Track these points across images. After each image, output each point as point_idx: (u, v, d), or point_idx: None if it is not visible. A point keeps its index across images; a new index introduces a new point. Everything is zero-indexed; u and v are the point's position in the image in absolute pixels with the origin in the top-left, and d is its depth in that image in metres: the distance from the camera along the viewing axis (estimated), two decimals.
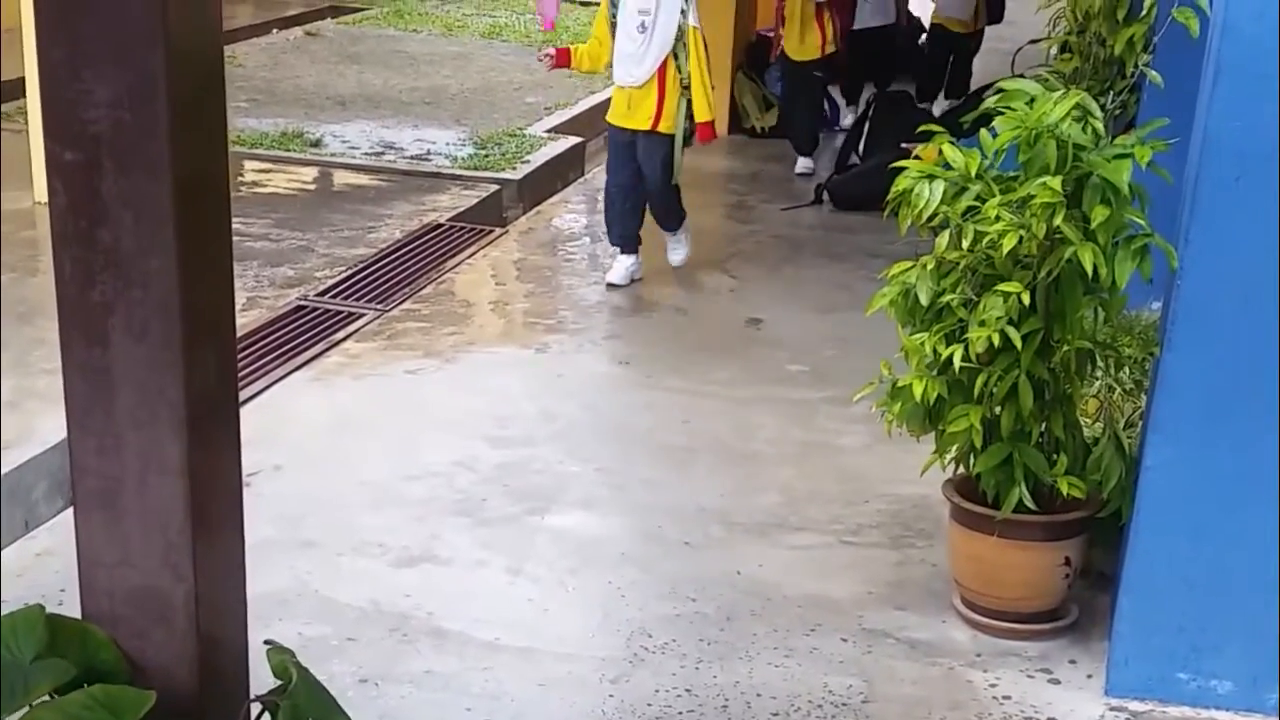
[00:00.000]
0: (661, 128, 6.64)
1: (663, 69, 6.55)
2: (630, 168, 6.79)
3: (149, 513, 2.29)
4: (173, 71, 2.04)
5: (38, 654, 2.33)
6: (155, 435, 2.22)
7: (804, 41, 9.00)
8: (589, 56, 6.85)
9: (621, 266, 6.89)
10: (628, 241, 6.88)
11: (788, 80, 9.41)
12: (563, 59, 6.81)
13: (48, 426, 4.79)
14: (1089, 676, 3.86)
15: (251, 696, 2.50)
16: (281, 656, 2.48)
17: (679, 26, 6.50)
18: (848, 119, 10.36)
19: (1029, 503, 3.86)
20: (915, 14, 12.34)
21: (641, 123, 6.68)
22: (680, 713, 3.63)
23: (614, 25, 6.66)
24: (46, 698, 2.31)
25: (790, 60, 9.10)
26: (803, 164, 9.33)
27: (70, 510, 4.51)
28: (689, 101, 6.65)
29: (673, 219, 6.96)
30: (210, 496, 2.33)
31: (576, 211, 8.44)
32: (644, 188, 6.79)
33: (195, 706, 2.40)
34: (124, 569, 2.33)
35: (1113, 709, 3.73)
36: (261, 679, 2.57)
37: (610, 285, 6.84)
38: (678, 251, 7.11)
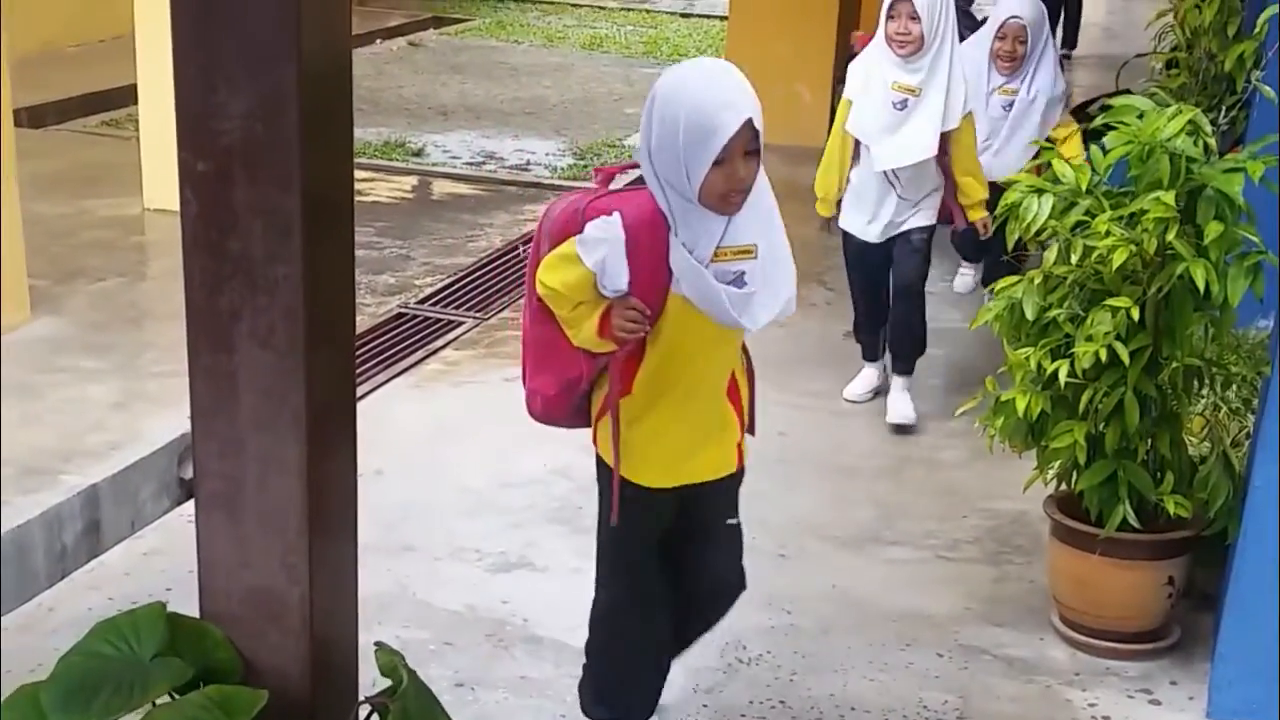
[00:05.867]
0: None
1: None
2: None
3: (268, 515, 2.34)
4: (304, 85, 2.09)
5: (158, 651, 2.39)
6: (276, 439, 2.27)
7: None
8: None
9: None
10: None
11: None
12: None
13: (156, 428, 4.89)
14: (1190, 698, 3.82)
15: (361, 698, 2.54)
16: (391, 658, 2.52)
17: None
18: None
19: (1133, 521, 3.83)
20: None
21: None
22: None
23: None
24: (166, 697, 2.36)
25: None
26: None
27: (176, 510, 4.63)
28: None
29: None
30: (327, 500, 2.38)
31: None
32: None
33: (307, 707, 2.44)
34: (242, 570, 2.38)
35: None
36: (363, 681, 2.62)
37: None
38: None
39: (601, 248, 2.97)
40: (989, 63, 6.06)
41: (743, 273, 3.02)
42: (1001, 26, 6.06)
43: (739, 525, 3.43)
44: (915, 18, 5.06)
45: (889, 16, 5.13)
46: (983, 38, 6.15)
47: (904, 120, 5.16)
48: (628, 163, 3.35)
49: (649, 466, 3.24)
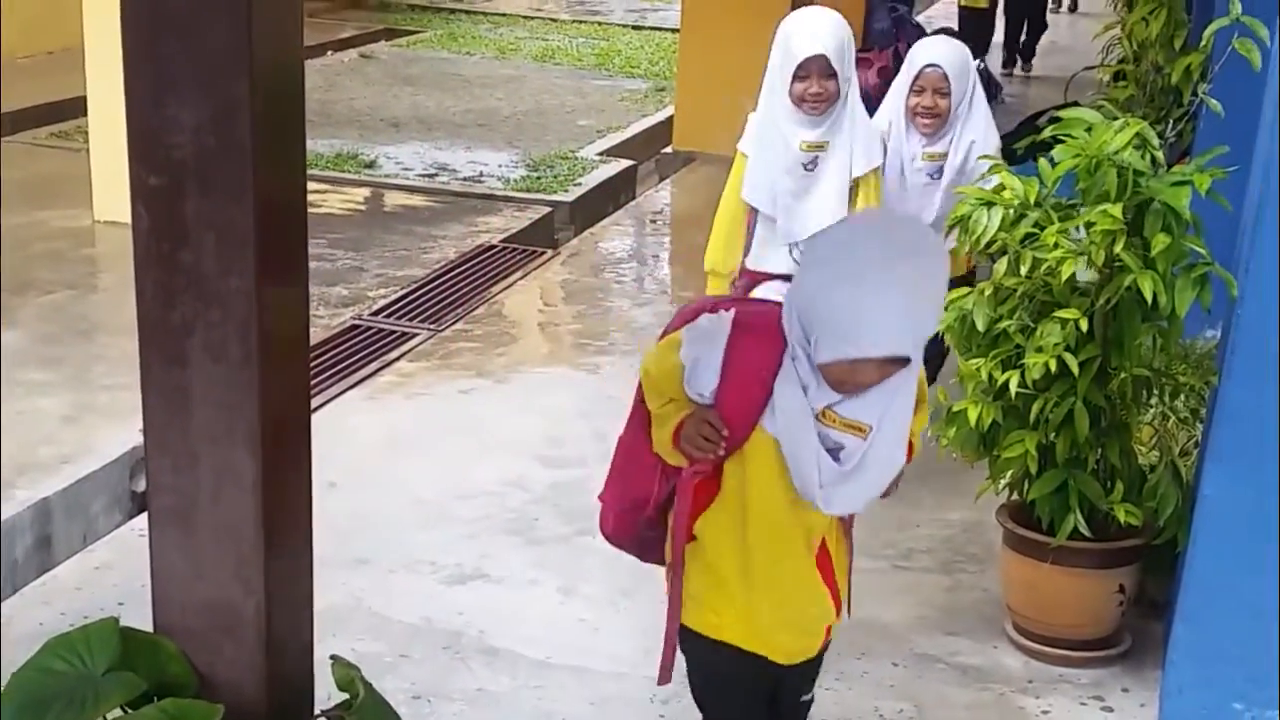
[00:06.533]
0: None
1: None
2: None
3: (222, 528, 2.33)
4: (256, 97, 2.08)
5: (110, 666, 2.38)
6: (230, 452, 2.27)
7: None
8: None
9: None
10: None
11: None
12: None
13: (107, 441, 4.86)
14: (1142, 705, 3.85)
15: (317, 711, 2.53)
16: (348, 671, 2.52)
17: None
18: None
19: (1084, 530, 3.86)
20: None
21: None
22: None
23: None
24: (119, 712, 2.35)
25: None
26: None
27: (128, 524, 4.60)
28: None
29: None
30: (282, 512, 2.37)
31: (627, 234, 8.47)
32: None
33: None
34: (196, 583, 2.38)
35: None
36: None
37: None
38: None
39: (702, 342, 2.57)
40: (906, 123, 4.81)
41: (842, 448, 2.57)
42: (918, 77, 4.77)
43: (811, 700, 3.02)
44: (830, 75, 4.41)
45: (797, 77, 4.43)
46: (897, 92, 4.90)
47: (814, 181, 4.50)
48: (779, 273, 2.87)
49: (714, 614, 2.84)
